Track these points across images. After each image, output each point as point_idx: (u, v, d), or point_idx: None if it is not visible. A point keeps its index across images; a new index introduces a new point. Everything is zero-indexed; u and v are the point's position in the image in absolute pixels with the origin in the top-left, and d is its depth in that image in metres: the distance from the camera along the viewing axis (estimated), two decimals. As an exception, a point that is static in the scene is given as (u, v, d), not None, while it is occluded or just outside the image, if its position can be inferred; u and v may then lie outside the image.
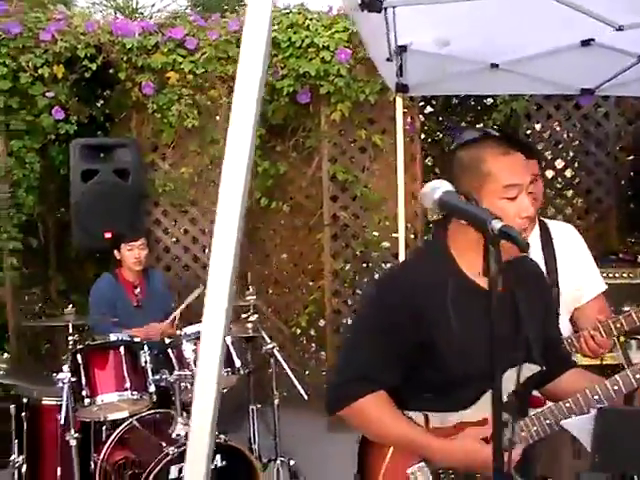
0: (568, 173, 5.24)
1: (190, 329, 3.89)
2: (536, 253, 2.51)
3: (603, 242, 4.95)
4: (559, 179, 5.20)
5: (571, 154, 5.19)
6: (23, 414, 3.68)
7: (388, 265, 4.95)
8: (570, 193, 5.22)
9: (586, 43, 3.35)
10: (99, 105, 5.04)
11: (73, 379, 3.53)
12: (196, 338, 3.85)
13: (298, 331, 5.26)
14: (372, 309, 2.01)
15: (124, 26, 4.67)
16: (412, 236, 4.90)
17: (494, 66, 3.70)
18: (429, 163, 5.31)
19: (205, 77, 4.73)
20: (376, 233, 4.92)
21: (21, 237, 4.67)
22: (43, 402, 3.75)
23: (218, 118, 4.85)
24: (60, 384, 3.55)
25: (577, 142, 5.13)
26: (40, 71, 4.51)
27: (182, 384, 3.65)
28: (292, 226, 5.24)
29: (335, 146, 4.89)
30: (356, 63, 4.64)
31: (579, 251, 2.64)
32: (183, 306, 4.26)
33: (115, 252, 4.40)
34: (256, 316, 3.95)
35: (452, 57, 3.34)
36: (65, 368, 3.56)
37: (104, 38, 4.62)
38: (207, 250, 5.07)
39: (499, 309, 1.60)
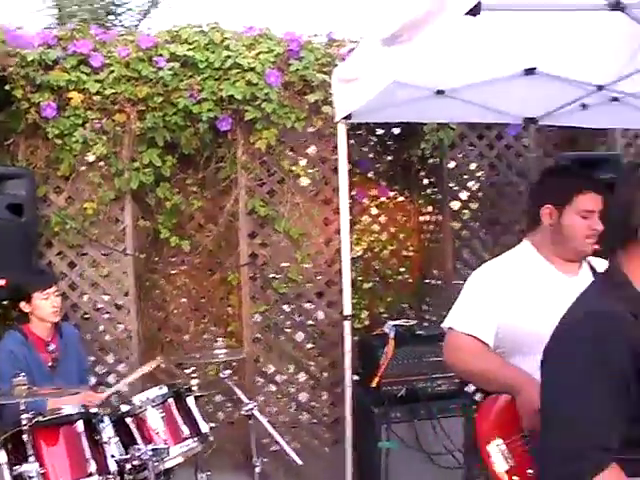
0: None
1: (153, 392, 4.28)
2: None
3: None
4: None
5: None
6: None
7: (308, 305, 5.84)
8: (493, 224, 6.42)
9: (530, 72, 4.34)
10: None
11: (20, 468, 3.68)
12: (161, 403, 4.26)
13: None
14: (595, 356, 2.06)
15: (21, 35, 5.13)
16: (335, 273, 5.77)
17: (440, 93, 4.62)
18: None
19: (113, 98, 5.30)
20: (298, 272, 5.73)
21: None
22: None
23: (124, 146, 5.40)
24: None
25: (499, 172, 6.36)
26: None
27: (155, 460, 3.97)
28: (202, 266, 5.96)
29: (253, 178, 5.64)
30: (283, 87, 5.44)
31: None
32: (131, 379, 4.67)
33: (22, 304, 4.74)
34: (229, 372, 4.62)
35: (399, 83, 4.04)
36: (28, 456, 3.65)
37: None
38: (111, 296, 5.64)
39: None
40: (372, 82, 4.08)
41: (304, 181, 5.70)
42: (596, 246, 3.38)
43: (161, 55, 5.32)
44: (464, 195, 6.34)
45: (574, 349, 2.14)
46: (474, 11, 2.76)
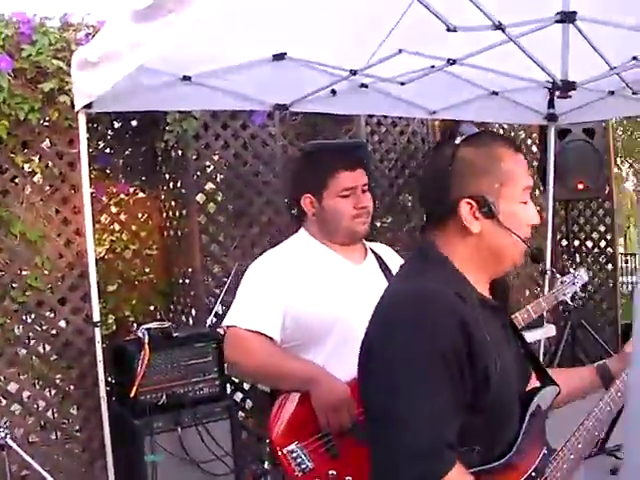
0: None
1: None
2: (380, 281, 3.28)
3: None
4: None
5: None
6: None
7: (50, 313, 5.43)
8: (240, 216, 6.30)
9: (279, 57, 4.36)
10: None
11: None
12: None
13: None
14: (425, 342, 1.92)
15: None
16: (78, 277, 5.44)
17: (186, 78, 4.49)
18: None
19: None
20: (38, 278, 5.29)
21: None
22: None
23: None
24: None
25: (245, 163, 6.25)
26: None
27: None
28: None
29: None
30: (13, 75, 4.96)
31: None
32: None
33: None
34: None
35: (143, 68, 3.88)
36: None
37: None
38: None
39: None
40: (116, 66, 3.83)
41: (39, 179, 5.30)
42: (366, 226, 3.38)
43: None
44: (209, 187, 6.20)
45: (401, 337, 1.97)
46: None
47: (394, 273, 3.36)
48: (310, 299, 3.21)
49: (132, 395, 4.81)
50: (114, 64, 3.87)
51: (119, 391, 5.12)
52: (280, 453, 3.03)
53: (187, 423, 4.93)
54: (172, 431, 4.89)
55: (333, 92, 4.99)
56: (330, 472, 3.02)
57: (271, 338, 3.17)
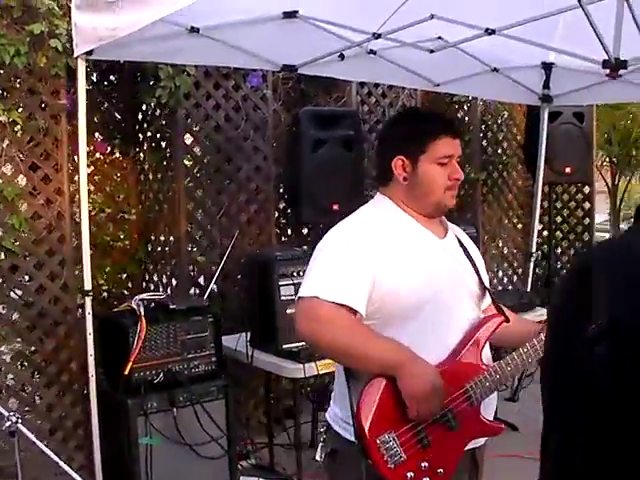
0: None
1: None
2: (461, 257, 3.00)
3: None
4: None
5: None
6: None
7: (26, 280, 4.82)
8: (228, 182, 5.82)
9: (290, 15, 4.12)
10: None
11: None
12: None
13: None
14: None
15: None
16: (57, 241, 4.84)
17: (194, 30, 4.14)
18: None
19: None
20: (14, 241, 4.67)
21: None
22: None
23: None
24: None
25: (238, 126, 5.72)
26: None
27: None
28: None
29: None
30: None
31: (477, 252, 3.17)
32: None
33: None
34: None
35: None
36: None
37: None
38: None
39: None
40: (150, 10, 3.43)
41: (19, 130, 4.68)
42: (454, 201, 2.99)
43: None
44: (198, 150, 5.66)
45: None
46: None
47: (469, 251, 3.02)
48: (401, 272, 2.78)
49: (127, 372, 4.30)
50: (143, 7, 3.49)
51: (106, 367, 4.58)
52: (372, 442, 2.63)
53: (182, 403, 4.50)
54: (167, 411, 4.45)
55: (341, 56, 4.69)
56: (423, 464, 2.66)
57: (356, 312, 2.72)
